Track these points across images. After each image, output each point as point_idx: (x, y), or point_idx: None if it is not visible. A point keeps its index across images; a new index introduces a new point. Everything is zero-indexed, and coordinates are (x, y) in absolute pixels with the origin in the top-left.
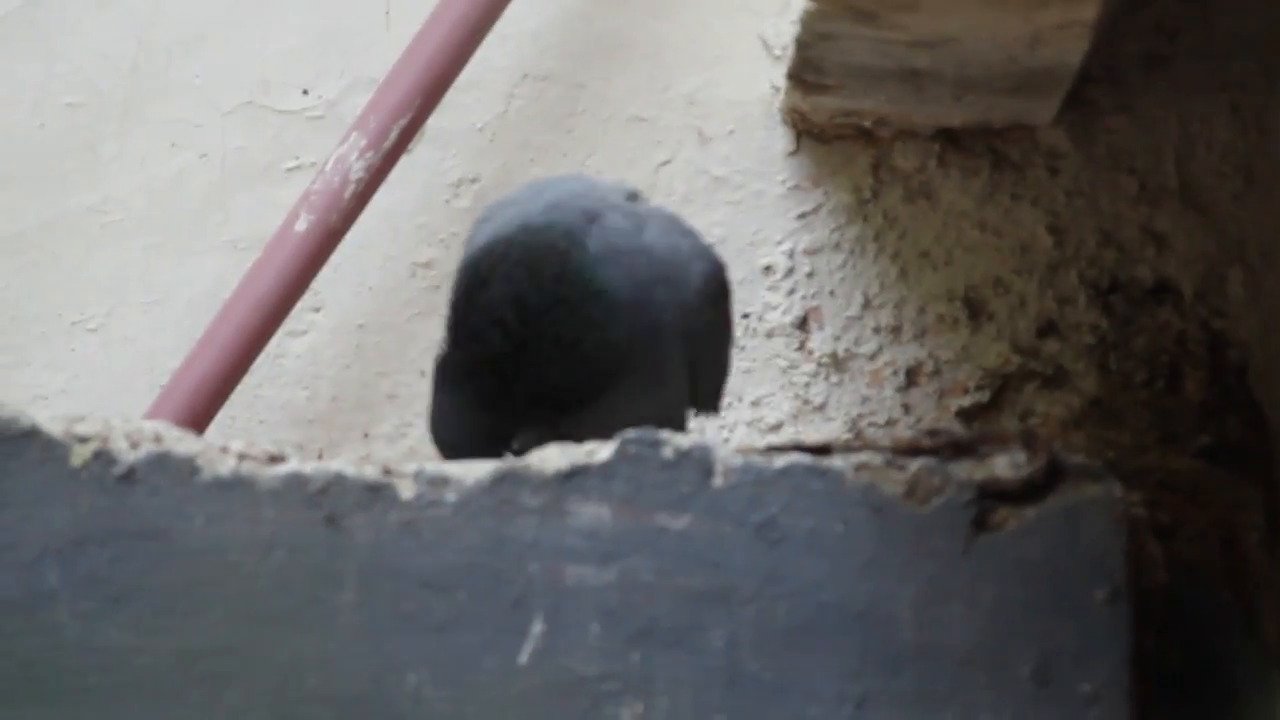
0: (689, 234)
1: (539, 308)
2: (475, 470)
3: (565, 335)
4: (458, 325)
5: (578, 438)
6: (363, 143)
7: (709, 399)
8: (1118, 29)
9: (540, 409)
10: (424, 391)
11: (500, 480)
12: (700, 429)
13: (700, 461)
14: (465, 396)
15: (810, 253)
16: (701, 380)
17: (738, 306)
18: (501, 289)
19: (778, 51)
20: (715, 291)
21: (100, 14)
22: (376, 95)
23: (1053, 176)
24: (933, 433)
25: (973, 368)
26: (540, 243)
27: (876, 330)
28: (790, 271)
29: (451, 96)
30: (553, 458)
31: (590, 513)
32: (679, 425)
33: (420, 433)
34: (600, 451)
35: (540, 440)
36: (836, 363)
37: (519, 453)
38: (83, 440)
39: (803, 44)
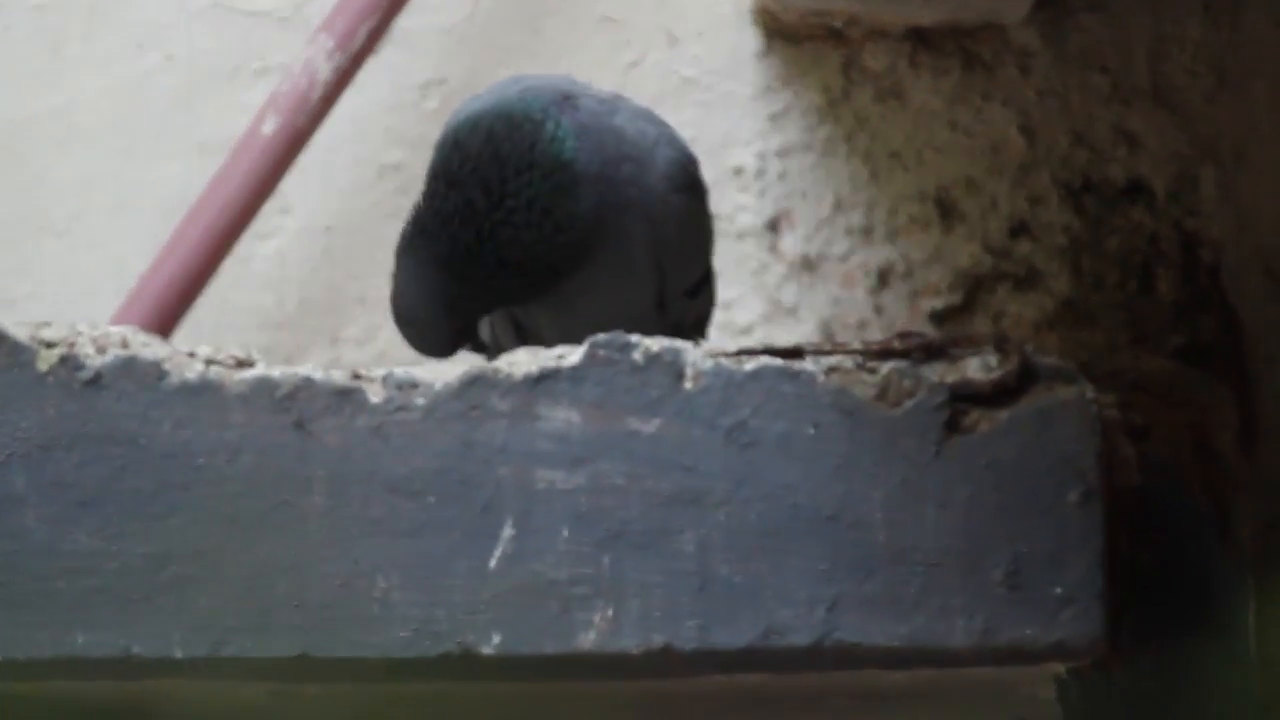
0: (660, 124)
1: (517, 170)
2: (444, 374)
3: (538, 201)
4: (434, 187)
5: (544, 333)
6: (330, 44)
7: (678, 302)
8: None
9: (506, 279)
10: None
11: (470, 384)
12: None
13: (671, 365)
14: (431, 260)
15: (781, 154)
16: (670, 276)
17: None
18: (481, 148)
19: None
20: (682, 180)
21: None
22: None
23: (1024, 76)
24: (904, 335)
25: (944, 269)
26: (517, 112)
27: (848, 232)
28: (761, 173)
29: None
30: (522, 361)
31: (560, 416)
32: (648, 331)
33: (390, 336)
34: (570, 355)
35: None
36: (808, 264)
37: (486, 349)
38: (49, 345)
39: None
